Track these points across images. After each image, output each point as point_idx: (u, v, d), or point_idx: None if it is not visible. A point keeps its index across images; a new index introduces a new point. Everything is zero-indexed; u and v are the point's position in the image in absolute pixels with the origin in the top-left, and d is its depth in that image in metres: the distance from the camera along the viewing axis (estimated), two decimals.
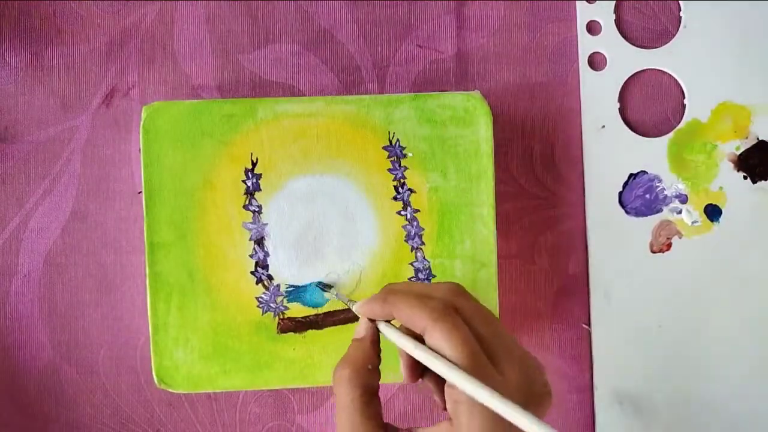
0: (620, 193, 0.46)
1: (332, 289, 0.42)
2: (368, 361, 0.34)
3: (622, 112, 0.46)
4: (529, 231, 0.46)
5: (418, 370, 0.34)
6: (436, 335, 0.31)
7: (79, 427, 0.45)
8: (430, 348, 0.32)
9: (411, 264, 0.42)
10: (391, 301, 0.33)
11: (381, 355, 0.35)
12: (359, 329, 0.35)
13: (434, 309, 0.32)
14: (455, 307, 0.32)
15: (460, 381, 0.29)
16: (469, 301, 0.33)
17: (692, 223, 0.46)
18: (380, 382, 0.34)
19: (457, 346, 0.30)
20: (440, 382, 0.34)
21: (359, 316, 0.36)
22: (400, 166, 0.43)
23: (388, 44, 0.46)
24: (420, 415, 0.46)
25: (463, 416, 0.30)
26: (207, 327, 0.42)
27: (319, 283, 0.42)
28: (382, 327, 0.35)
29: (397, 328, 0.34)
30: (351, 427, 0.33)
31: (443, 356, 0.31)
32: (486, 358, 0.31)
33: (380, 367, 0.34)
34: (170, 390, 0.42)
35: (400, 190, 0.43)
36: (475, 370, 0.30)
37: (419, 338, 0.33)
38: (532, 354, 0.34)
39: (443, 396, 0.32)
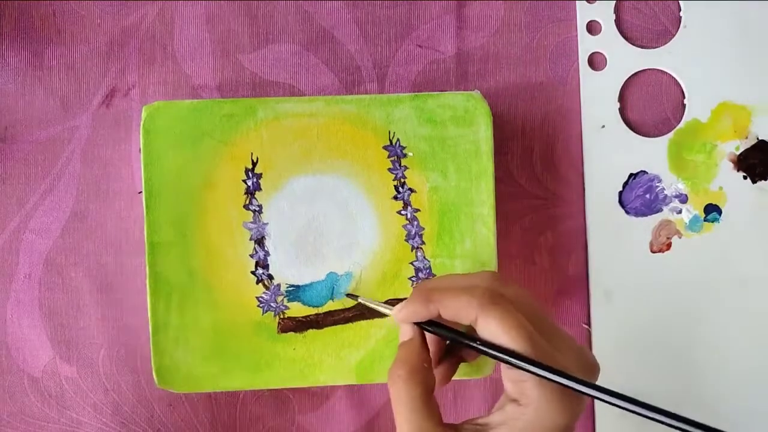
0: (620, 193, 0.46)
1: (359, 297, 0.42)
2: (423, 359, 0.34)
3: (622, 112, 0.46)
4: (529, 231, 0.46)
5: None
6: (491, 323, 0.31)
7: (79, 427, 0.44)
8: (483, 338, 0.32)
9: (411, 263, 0.42)
10: (436, 299, 0.34)
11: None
12: (404, 332, 0.35)
13: (483, 297, 0.32)
14: (501, 293, 0.33)
15: (528, 367, 0.30)
16: (510, 286, 0.34)
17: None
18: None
19: (513, 330, 0.31)
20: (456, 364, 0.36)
21: (400, 323, 0.36)
22: (400, 165, 0.42)
23: (388, 44, 0.46)
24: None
25: (532, 391, 0.31)
26: (207, 327, 0.42)
27: (348, 294, 0.42)
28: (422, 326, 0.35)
29: (441, 324, 0.35)
30: (411, 426, 0.32)
31: (500, 344, 0.31)
32: (542, 338, 0.31)
33: None
34: (170, 390, 0.41)
35: (401, 189, 0.43)
36: (536, 351, 0.31)
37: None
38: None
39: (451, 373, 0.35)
